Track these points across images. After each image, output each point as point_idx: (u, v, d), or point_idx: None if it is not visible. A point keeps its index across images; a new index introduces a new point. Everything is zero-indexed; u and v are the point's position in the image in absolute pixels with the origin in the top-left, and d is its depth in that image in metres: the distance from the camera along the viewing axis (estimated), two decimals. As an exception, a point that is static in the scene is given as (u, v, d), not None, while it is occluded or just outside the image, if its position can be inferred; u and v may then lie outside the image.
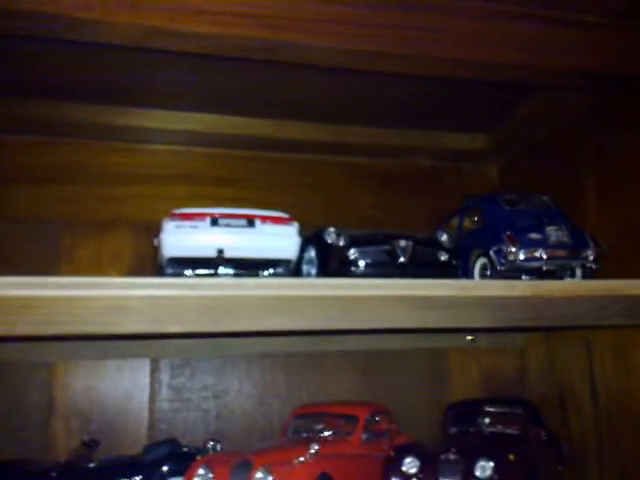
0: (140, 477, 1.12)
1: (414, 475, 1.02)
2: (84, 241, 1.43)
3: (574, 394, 1.45)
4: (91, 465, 1.15)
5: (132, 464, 1.16)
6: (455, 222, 1.34)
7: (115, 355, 1.36)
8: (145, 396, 1.39)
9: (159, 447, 1.22)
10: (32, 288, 0.81)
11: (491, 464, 0.96)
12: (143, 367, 1.40)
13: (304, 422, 1.20)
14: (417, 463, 1.02)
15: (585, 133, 1.44)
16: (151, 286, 0.86)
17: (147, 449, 1.22)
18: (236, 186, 1.53)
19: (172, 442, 1.22)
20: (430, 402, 1.52)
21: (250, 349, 1.44)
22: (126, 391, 1.38)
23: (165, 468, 1.13)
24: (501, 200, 1.23)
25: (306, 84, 1.33)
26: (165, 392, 1.41)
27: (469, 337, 1.59)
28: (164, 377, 1.41)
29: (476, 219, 1.27)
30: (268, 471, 0.92)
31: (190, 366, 1.43)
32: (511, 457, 0.98)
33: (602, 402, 1.36)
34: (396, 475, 1.02)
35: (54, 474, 1.09)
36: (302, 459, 0.95)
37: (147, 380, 1.40)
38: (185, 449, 1.20)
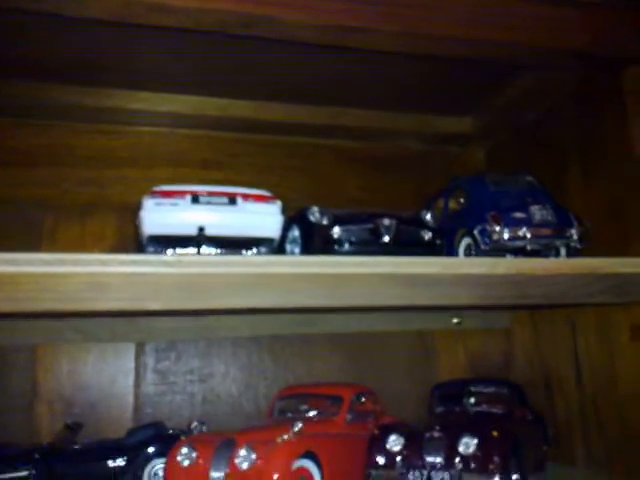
0: (124, 458, 1.12)
1: (398, 452, 1.02)
2: (66, 224, 1.41)
3: (559, 375, 1.46)
4: (74, 447, 1.15)
5: (116, 446, 1.15)
6: (441, 203, 1.33)
7: (99, 338, 1.34)
8: (130, 380, 1.38)
9: (143, 430, 1.21)
10: (11, 264, 0.80)
11: (475, 440, 0.96)
12: (128, 351, 1.39)
13: (289, 403, 1.20)
14: (401, 441, 1.02)
15: (571, 116, 1.44)
16: (131, 263, 0.85)
17: (131, 432, 1.22)
18: (221, 168, 1.52)
19: (157, 425, 1.22)
20: (416, 384, 1.52)
21: (236, 332, 1.44)
22: (110, 375, 1.37)
23: (149, 450, 1.13)
24: (486, 180, 1.23)
25: (291, 65, 1.31)
26: (150, 376, 1.40)
27: (455, 319, 1.59)
28: (149, 361, 1.40)
29: (461, 200, 1.26)
30: (251, 449, 0.92)
31: (175, 349, 1.42)
32: (495, 433, 0.98)
33: (587, 382, 1.37)
34: (380, 453, 1.02)
35: (37, 456, 1.08)
36: (286, 437, 0.95)
37: (132, 364, 1.39)
38: (170, 431, 1.20)
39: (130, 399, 1.38)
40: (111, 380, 1.37)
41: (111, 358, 1.38)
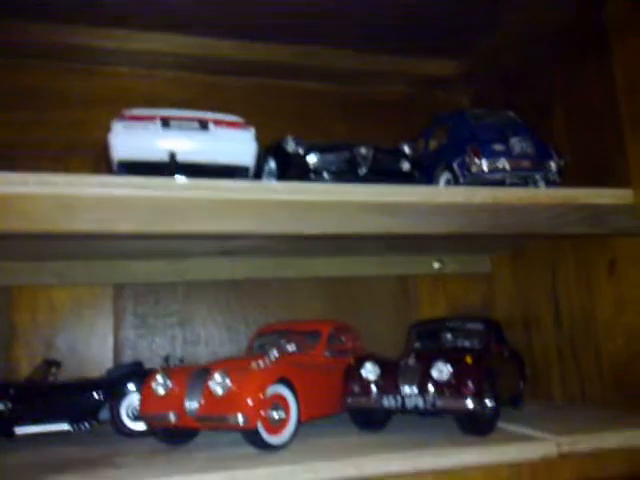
0: (102, 393, 1.12)
1: (374, 381, 1.03)
2: (43, 167, 1.37)
3: (538, 315, 1.47)
4: (52, 382, 1.15)
5: (94, 382, 1.16)
6: (421, 142, 1.32)
7: (76, 281, 1.33)
8: (109, 323, 1.38)
9: (122, 368, 1.22)
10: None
11: (448, 366, 0.97)
12: (106, 294, 1.38)
13: (268, 339, 1.20)
14: (376, 369, 1.03)
15: (554, 59, 1.42)
16: (100, 185, 0.84)
17: (110, 371, 1.22)
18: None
19: (135, 363, 1.22)
20: (397, 327, 1.52)
21: (216, 275, 1.43)
22: (90, 318, 1.37)
23: (127, 385, 1.13)
24: (467, 115, 1.22)
25: (274, 3, 1.27)
26: (130, 319, 1.40)
27: (436, 264, 1.59)
28: (128, 304, 1.40)
29: (442, 136, 1.25)
30: (226, 374, 0.92)
31: (154, 293, 1.42)
32: (468, 360, 0.99)
33: (565, 320, 1.39)
34: (356, 381, 1.03)
35: (12, 391, 1.08)
36: (261, 363, 0.95)
37: (111, 307, 1.38)
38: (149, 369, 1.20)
39: (110, 342, 1.38)
40: (90, 323, 1.37)
41: (90, 301, 1.37)
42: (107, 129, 1.40)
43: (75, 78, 1.44)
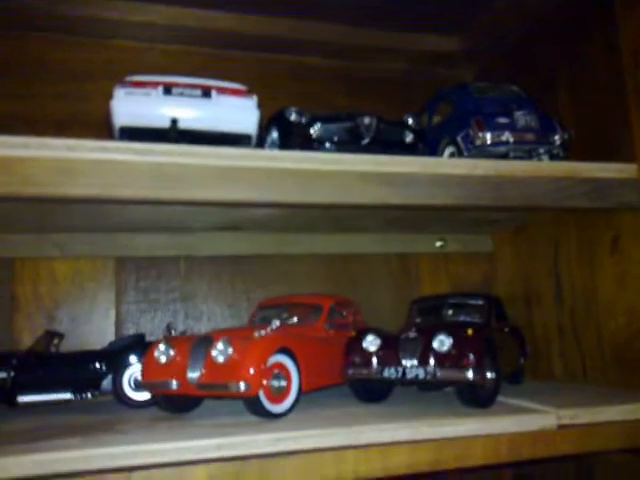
0: (104, 363, 1.13)
1: (375, 353, 1.03)
2: (43, 139, 1.38)
3: (539, 293, 1.47)
4: (54, 352, 1.15)
5: (96, 352, 1.16)
6: (425, 118, 1.31)
7: (78, 253, 1.33)
8: (111, 296, 1.38)
9: (124, 339, 1.22)
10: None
11: (449, 338, 0.97)
12: (108, 267, 1.38)
13: (270, 312, 1.20)
14: (378, 341, 1.03)
15: (558, 35, 1.40)
16: (101, 149, 0.83)
17: (112, 343, 1.23)
18: (201, 85, 1.48)
19: (137, 335, 1.22)
20: (397, 306, 1.52)
21: (218, 251, 1.43)
22: (91, 291, 1.37)
23: (129, 355, 1.13)
24: (470, 88, 1.21)
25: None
26: (132, 293, 1.40)
27: (438, 242, 1.59)
28: (130, 278, 1.40)
29: (446, 110, 1.24)
30: (228, 343, 0.92)
31: (156, 268, 1.42)
32: (469, 332, 0.99)
33: (566, 297, 1.39)
34: (357, 352, 1.03)
35: (15, 361, 1.09)
36: (263, 332, 0.95)
37: (112, 280, 1.38)
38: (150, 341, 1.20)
39: (112, 315, 1.38)
40: (92, 296, 1.37)
41: (91, 274, 1.37)
42: (107, 102, 1.41)
43: (77, 50, 1.44)
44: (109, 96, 1.43)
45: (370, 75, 1.64)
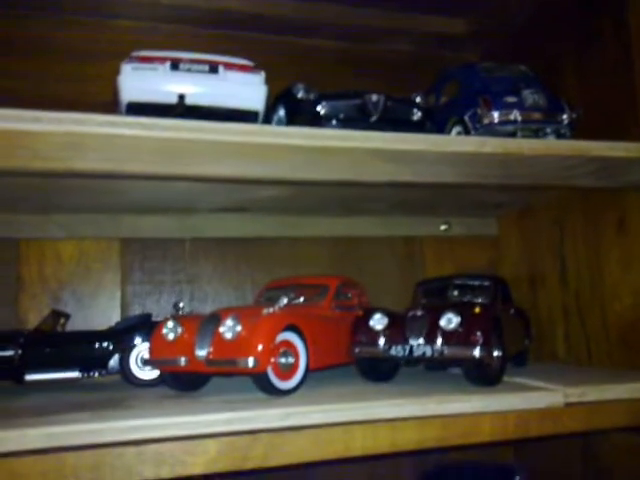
0: (111, 342, 1.13)
1: (381, 331, 1.03)
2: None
3: (544, 275, 1.47)
4: (61, 331, 1.15)
5: (103, 331, 1.16)
6: (432, 98, 1.30)
7: (83, 234, 1.33)
8: (117, 277, 1.38)
9: (131, 319, 1.22)
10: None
11: (457, 316, 0.97)
12: (113, 248, 1.38)
13: (276, 293, 1.20)
14: (385, 320, 1.03)
15: (565, 16, 1.39)
16: (110, 124, 0.83)
17: (118, 322, 1.23)
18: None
19: (144, 315, 1.22)
20: (402, 290, 1.52)
21: (223, 233, 1.43)
22: (97, 272, 1.37)
23: (136, 334, 1.13)
24: (478, 68, 1.20)
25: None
26: (137, 274, 1.40)
27: (443, 226, 1.59)
28: (135, 259, 1.40)
29: (452, 90, 1.23)
30: (237, 319, 0.92)
31: (162, 249, 1.41)
32: (477, 310, 0.99)
33: (571, 279, 1.39)
34: (364, 331, 1.04)
35: (22, 339, 1.09)
36: (271, 310, 0.95)
37: (118, 261, 1.38)
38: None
39: (117, 296, 1.38)
40: (98, 277, 1.37)
41: (97, 255, 1.37)
42: (111, 83, 1.40)
43: (80, 30, 1.42)
44: (112, 77, 1.43)
45: (375, 57, 1.63)
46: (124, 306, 1.38)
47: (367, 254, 1.56)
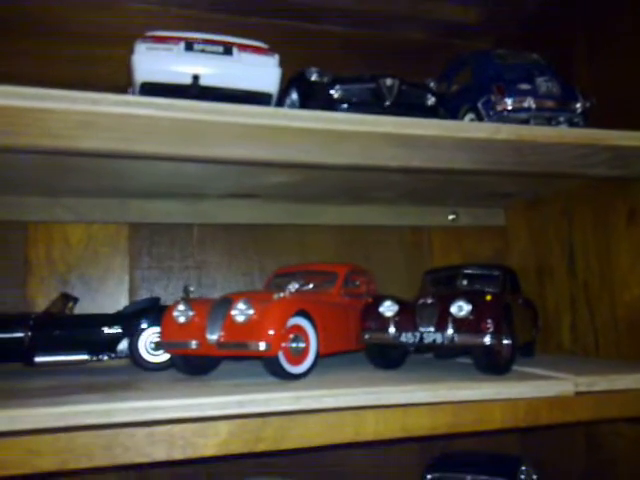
0: (120, 326, 1.12)
1: (391, 318, 1.03)
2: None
3: (552, 266, 1.47)
4: (70, 314, 1.15)
5: (112, 314, 1.16)
6: (444, 85, 1.29)
7: (91, 218, 1.32)
8: (125, 261, 1.38)
9: (140, 302, 1.22)
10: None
11: (468, 304, 0.97)
12: (121, 232, 1.37)
13: (286, 280, 1.20)
14: (395, 307, 1.03)
15: (577, 2, 1.38)
16: (123, 103, 0.82)
17: (127, 306, 1.22)
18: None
19: (153, 299, 1.22)
20: (409, 279, 1.52)
21: (232, 219, 1.42)
22: (105, 256, 1.36)
23: (146, 318, 1.13)
24: (492, 55, 1.19)
25: None
26: (145, 259, 1.39)
27: (450, 216, 1.58)
28: (144, 244, 1.39)
29: (465, 77, 1.22)
30: (249, 303, 0.92)
31: (170, 234, 1.41)
32: (488, 298, 0.99)
33: (579, 270, 1.38)
34: (374, 318, 1.03)
35: (31, 321, 1.08)
36: (282, 294, 0.95)
37: (126, 245, 1.38)
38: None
39: (125, 281, 1.38)
40: (106, 262, 1.36)
41: (105, 239, 1.36)
42: (120, 66, 1.39)
43: (89, 13, 1.41)
44: (123, 60, 1.42)
45: (385, 44, 1.61)
46: (132, 291, 1.38)
47: (374, 243, 1.56)
